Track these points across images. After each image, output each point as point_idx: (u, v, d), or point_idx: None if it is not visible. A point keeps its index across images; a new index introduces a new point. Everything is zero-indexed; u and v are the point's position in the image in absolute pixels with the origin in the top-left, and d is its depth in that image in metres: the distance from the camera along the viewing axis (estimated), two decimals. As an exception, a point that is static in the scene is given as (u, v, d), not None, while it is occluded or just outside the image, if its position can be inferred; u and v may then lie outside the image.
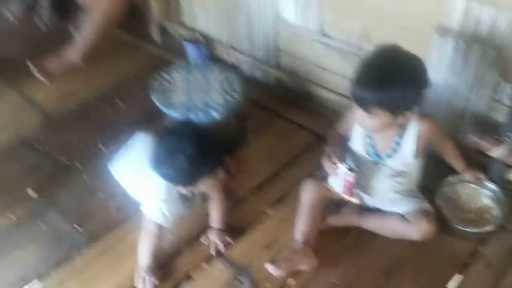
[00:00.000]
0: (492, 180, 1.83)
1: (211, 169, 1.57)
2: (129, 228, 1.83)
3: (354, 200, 1.69)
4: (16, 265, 1.74)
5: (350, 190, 1.65)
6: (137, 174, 1.69)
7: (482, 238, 1.75)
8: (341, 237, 1.79)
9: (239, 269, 1.71)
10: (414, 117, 1.56)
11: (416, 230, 1.68)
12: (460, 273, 1.66)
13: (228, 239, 1.78)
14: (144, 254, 1.65)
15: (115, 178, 1.78)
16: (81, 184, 2.03)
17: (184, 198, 1.70)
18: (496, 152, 1.73)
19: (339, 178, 1.64)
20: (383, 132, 1.59)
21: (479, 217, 1.81)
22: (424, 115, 1.59)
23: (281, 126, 2.25)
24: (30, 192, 1.99)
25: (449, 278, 1.65)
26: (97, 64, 2.55)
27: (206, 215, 1.81)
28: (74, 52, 2.54)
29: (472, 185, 1.86)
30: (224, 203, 1.79)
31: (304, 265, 1.67)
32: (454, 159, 1.78)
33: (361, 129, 1.65)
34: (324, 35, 2.13)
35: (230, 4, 2.39)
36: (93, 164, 2.09)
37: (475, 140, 1.77)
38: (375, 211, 1.79)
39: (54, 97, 2.45)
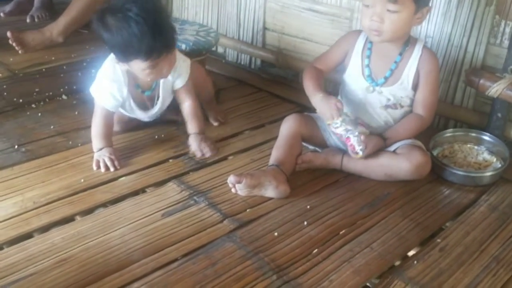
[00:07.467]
0: (493, 133, 1.63)
1: (166, 38, 1.43)
2: (74, 152, 1.62)
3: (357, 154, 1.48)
4: None
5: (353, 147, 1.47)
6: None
7: (483, 190, 1.50)
8: (320, 176, 1.54)
9: (196, 191, 1.44)
10: (419, 43, 1.50)
11: (408, 161, 1.45)
12: (460, 215, 1.39)
13: (211, 145, 1.62)
14: (95, 139, 1.56)
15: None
16: (32, 117, 1.82)
17: (142, 105, 1.65)
18: (496, 88, 1.55)
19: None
20: (384, 53, 1.50)
21: (479, 167, 1.57)
22: (427, 48, 1.53)
23: (264, 97, 2.09)
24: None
25: (447, 219, 1.38)
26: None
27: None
28: (55, 29, 2.47)
29: (470, 144, 1.65)
30: (198, 110, 1.67)
31: (272, 190, 1.40)
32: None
33: (361, 51, 1.53)
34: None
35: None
36: (50, 105, 1.90)
37: (472, 78, 1.60)
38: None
39: (24, 60, 2.30)
